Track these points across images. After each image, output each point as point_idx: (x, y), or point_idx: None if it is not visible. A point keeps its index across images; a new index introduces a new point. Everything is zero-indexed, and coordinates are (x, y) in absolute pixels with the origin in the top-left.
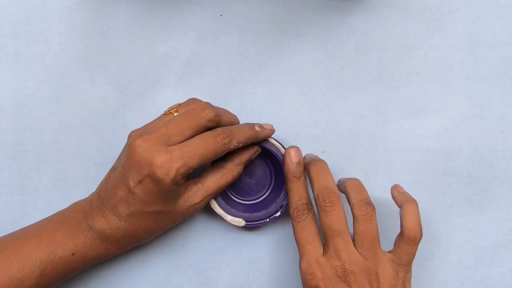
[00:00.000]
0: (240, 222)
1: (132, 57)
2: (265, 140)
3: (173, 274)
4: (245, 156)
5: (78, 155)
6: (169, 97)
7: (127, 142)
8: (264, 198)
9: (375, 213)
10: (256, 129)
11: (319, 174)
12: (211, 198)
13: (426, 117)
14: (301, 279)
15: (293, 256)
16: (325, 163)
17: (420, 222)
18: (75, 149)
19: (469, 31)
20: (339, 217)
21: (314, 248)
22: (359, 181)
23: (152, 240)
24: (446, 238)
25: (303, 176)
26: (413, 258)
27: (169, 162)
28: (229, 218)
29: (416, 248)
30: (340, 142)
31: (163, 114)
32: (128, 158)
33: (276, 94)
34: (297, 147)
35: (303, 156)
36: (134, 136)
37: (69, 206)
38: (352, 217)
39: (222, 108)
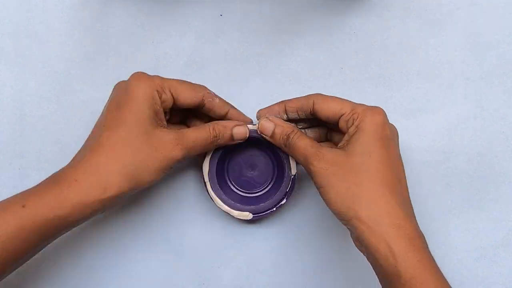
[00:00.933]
0: (247, 215)
1: (132, 57)
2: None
3: (173, 274)
4: (225, 122)
5: None
6: None
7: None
8: (269, 189)
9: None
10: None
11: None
12: (188, 147)
13: (426, 117)
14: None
15: (293, 256)
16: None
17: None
18: (75, 149)
19: (469, 31)
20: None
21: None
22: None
23: (152, 240)
24: (446, 238)
25: (294, 131)
26: None
27: (142, 75)
28: (235, 213)
29: None
30: None
31: None
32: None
33: (276, 94)
34: (264, 117)
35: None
36: None
37: None
38: None
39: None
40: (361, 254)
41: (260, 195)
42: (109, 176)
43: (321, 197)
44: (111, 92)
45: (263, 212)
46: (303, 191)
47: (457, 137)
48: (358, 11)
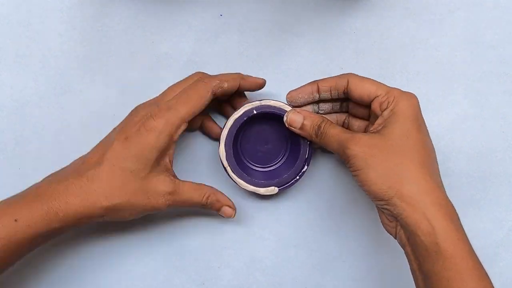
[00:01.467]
0: (273, 190)
1: (132, 57)
2: (277, 107)
3: (173, 274)
4: (222, 196)
5: (78, 155)
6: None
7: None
8: (286, 159)
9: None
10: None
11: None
12: (177, 202)
13: (426, 117)
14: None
15: (293, 256)
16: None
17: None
18: (75, 149)
19: (469, 31)
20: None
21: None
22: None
23: (152, 240)
24: None
25: (324, 120)
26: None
27: (158, 114)
28: (262, 190)
29: None
30: None
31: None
32: (124, 119)
33: (276, 94)
34: (293, 110)
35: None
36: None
37: None
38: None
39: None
40: (360, 254)
41: (278, 166)
42: (96, 205)
43: (358, 181)
44: (130, 113)
45: (287, 183)
46: (304, 191)
47: (457, 137)
48: (358, 11)
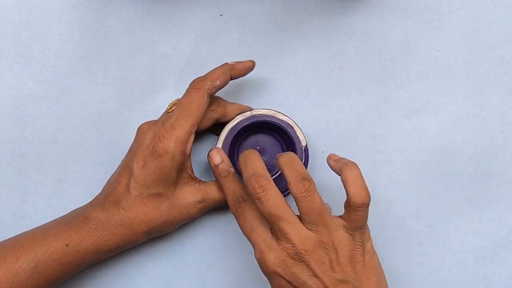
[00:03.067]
0: None
1: (132, 57)
2: (272, 116)
3: (173, 274)
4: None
5: (78, 155)
6: (169, 97)
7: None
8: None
9: (315, 187)
10: (230, 63)
11: (245, 163)
12: (209, 206)
13: (426, 117)
14: (261, 270)
15: None
16: (253, 151)
17: (365, 185)
18: (75, 149)
19: (469, 31)
20: (275, 199)
21: (260, 235)
22: (293, 154)
23: (152, 240)
24: (446, 238)
25: (231, 173)
26: (367, 220)
27: (165, 135)
28: None
29: (367, 211)
30: (340, 142)
31: (165, 111)
32: (133, 144)
33: (276, 94)
34: (217, 148)
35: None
36: (139, 125)
37: (69, 212)
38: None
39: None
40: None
41: (277, 176)
42: (138, 231)
43: None
44: (138, 135)
45: (286, 190)
46: None
47: (457, 137)
48: (358, 11)
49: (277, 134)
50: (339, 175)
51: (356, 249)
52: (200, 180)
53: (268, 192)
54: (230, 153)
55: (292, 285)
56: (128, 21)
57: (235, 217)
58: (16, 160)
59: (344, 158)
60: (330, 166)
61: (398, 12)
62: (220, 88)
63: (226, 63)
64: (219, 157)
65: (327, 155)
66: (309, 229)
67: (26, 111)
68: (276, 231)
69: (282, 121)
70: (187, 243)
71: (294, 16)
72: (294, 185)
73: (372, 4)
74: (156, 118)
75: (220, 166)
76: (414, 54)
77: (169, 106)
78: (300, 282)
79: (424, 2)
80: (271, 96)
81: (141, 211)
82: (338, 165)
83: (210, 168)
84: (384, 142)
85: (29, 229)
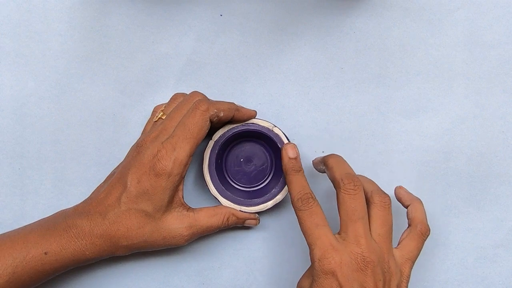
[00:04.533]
0: (267, 205)
1: (132, 57)
2: (255, 123)
3: (173, 274)
4: (241, 213)
5: (78, 155)
6: (169, 97)
7: (129, 150)
8: (268, 182)
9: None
10: (236, 104)
11: (339, 163)
12: (197, 234)
13: (426, 117)
14: (314, 266)
15: (293, 256)
16: (340, 155)
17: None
18: (75, 149)
19: (469, 31)
20: (363, 201)
21: (325, 234)
22: (340, 156)
23: None
24: (446, 238)
25: (302, 170)
26: (419, 255)
27: (165, 156)
28: (258, 208)
29: (423, 244)
30: (340, 142)
31: (153, 123)
32: (131, 159)
33: (276, 94)
34: (293, 144)
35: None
36: (137, 141)
37: (53, 214)
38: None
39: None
40: None
41: (266, 184)
42: (118, 244)
43: None
44: (136, 151)
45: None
46: None
47: (457, 137)
48: (358, 11)
49: (261, 140)
50: (405, 206)
51: (403, 282)
52: (190, 207)
53: (360, 192)
54: (217, 164)
55: None
56: (128, 21)
57: (299, 211)
58: (16, 160)
59: (411, 194)
60: (399, 195)
61: (398, 12)
62: (220, 120)
63: (233, 103)
64: (294, 152)
65: (395, 187)
66: (375, 241)
67: (26, 111)
68: (349, 230)
69: (262, 126)
70: (187, 243)
71: (294, 16)
72: (378, 194)
73: (372, 4)
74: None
75: (294, 161)
76: (414, 54)
77: (156, 115)
78: None
79: (424, 2)
80: (271, 96)
81: (124, 226)
82: (408, 197)
83: (282, 163)
84: (384, 142)
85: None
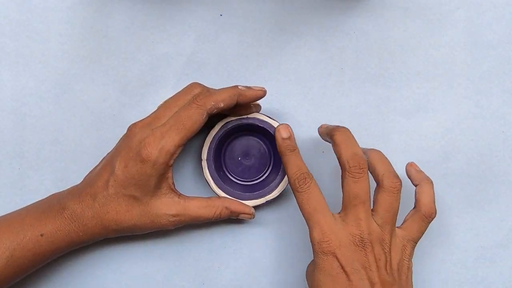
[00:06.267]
0: (265, 199)
1: (132, 57)
2: (255, 118)
3: (173, 274)
4: (236, 205)
5: (78, 155)
6: (169, 97)
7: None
8: (268, 175)
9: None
10: (240, 87)
11: (346, 141)
12: (185, 222)
13: (426, 117)
14: (314, 249)
15: (293, 255)
16: (350, 130)
17: (435, 201)
18: (75, 149)
19: (469, 31)
20: (367, 185)
21: (324, 216)
22: (380, 152)
23: (152, 240)
24: (446, 238)
25: (297, 149)
26: (421, 236)
27: (152, 143)
28: (259, 201)
29: (427, 227)
30: None
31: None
32: (121, 143)
33: (276, 94)
34: (286, 124)
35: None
36: (130, 124)
37: (47, 196)
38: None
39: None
40: None
41: (263, 179)
42: (108, 228)
43: None
44: (126, 134)
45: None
46: None
47: (457, 137)
48: (358, 11)
49: (262, 136)
50: (414, 185)
51: (404, 261)
52: (181, 194)
53: (364, 175)
54: (216, 156)
55: (344, 270)
56: (128, 21)
57: (298, 192)
58: (16, 160)
59: (423, 172)
60: (409, 173)
61: (398, 12)
62: (222, 110)
63: (237, 86)
64: (287, 132)
65: (407, 163)
66: (377, 224)
67: (26, 111)
68: (349, 213)
69: (264, 122)
70: (187, 243)
71: (294, 16)
72: (389, 178)
73: (372, 4)
74: None
75: (288, 141)
76: (414, 54)
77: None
78: (353, 269)
79: (424, 2)
80: (271, 96)
81: (114, 210)
82: (418, 176)
83: (276, 143)
84: (384, 142)
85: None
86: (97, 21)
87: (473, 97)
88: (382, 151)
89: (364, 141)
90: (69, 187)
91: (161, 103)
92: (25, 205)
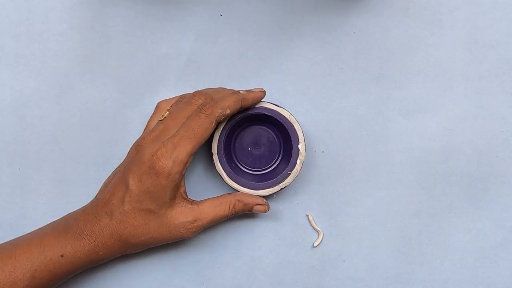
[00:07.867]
0: (274, 189)
1: (132, 57)
2: (262, 107)
3: (173, 274)
4: (248, 198)
5: (78, 155)
6: (169, 97)
7: (130, 148)
8: (279, 163)
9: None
10: (241, 92)
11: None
12: (203, 226)
13: (426, 117)
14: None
15: (293, 255)
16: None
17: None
18: (75, 149)
19: (469, 31)
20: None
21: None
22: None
23: None
24: (446, 238)
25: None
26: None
27: (165, 155)
28: (266, 192)
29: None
30: (340, 142)
31: (158, 122)
32: (131, 158)
33: (276, 94)
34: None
35: None
36: (137, 139)
37: (62, 216)
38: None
39: (216, 88)
40: (360, 254)
41: (269, 171)
42: (127, 243)
43: None
44: (135, 150)
45: (276, 185)
46: (303, 191)
47: (457, 137)
48: (358, 11)
49: (269, 124)
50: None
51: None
52: (193, 200)
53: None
54: (226, 149)
55: None
56: (128, 21)
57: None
58: (16, 160)
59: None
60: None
61: (398, 12)
62: (228, 116)
63: (239, 92)
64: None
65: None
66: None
67: (26, 111)
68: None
69: (271, 110)
70: (187, 243)
71: (294, 16)
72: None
73: (372, 4)
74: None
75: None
76: (414, 54)
77: (162, 114)
78: None
79: (424, 2)
80: (271, 96)
81: (131, 225)
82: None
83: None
84: (384, 142)
85: (27, 231)
86: (97, 21)
87: (473, 97)
88: (382, 151)
89: (364, 141)
90: (69, 187)
91: (159, 101)
92: (25, 205)
